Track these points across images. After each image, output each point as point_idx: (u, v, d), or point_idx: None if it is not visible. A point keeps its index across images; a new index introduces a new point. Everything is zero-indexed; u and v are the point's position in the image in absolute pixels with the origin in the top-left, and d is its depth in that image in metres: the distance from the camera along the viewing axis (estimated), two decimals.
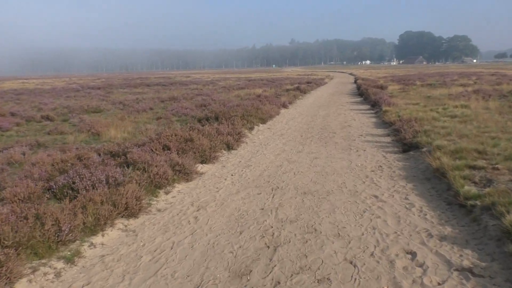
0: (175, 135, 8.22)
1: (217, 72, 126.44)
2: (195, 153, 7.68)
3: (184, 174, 6.52)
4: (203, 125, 11.97)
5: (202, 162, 7.72)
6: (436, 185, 5.80)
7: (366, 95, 20.36)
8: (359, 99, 21.54)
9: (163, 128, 10.92)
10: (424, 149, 7.63)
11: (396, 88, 23.79)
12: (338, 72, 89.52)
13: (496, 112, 11.68)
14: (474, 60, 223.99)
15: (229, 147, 9.22)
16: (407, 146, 8.22)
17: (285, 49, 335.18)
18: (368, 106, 17.38)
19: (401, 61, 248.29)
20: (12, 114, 16.72)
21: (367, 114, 14.89)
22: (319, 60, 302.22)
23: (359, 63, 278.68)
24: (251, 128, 12.02)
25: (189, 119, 13.51)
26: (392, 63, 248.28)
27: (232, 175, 7.02)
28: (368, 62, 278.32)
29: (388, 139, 9.80)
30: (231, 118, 12.20)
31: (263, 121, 13.55)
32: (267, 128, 12.52)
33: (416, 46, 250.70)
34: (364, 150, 8.56)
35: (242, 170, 7.29)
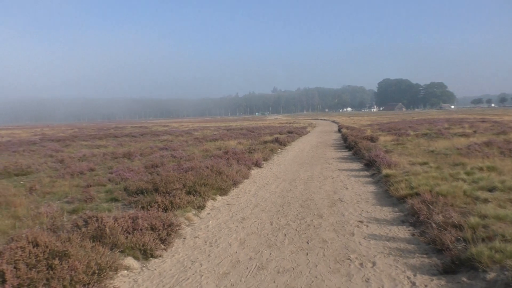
0: (36, 246, 4.51)
1: (199, 120, 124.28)
2: None
3: None
4: (132, 203, 8.32)
5: None
6: None
7: (356, 149, 17.06)
8: (347, 153, 18.24)
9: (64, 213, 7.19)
10: (491, 275, 4.08)
11: (389, 140, 20.66)
12: (321, 119, 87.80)
13: None
14: (452, 106, 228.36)
15: (147, 254, 5.52)
16: (450, 260, 4.64)
17: (268, 97, 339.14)
18: (360, 165, 13.99)
19: (381, 108, 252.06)
20: None
21: (361, 178, 11.43)
22: (301, 108, 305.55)
23: (341, 110, 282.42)
24: (201, 207, 8.36)
25: (122, 190, 9.82)
26: (372, 110, 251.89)
27: None
28: (349, 109, 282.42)
29: (405, 231, 6.24)
30: (172, 191, 8.58)
31: (224, 191, 9.93)
32: (227, 204, 8.89)
33: (395, 93, 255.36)
34: (373, 264, 4.94)
35: None
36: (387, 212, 7.45)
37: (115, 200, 8.95)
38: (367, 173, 12.23)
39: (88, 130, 60.01)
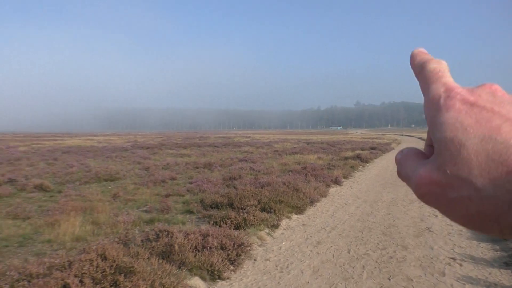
0: (105, 259, 4.50)
1: (280, 132, 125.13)
2: None
3: None
4: (206, 217, 8.27)
5: None
6: None
7: None
8: None
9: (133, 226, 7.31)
10: None
11: None
12: (406, 135, 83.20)
13: None
14: None
15: (214, 275, 5.30)
16: None
17: (350, 111, 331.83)
18: None
19: None
20: (11, 180, 14.28)
21: None
22: (385, 123, 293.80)
23: None
24: (275, 226, 8.02)
25: (198, 202, 9.87)
26: None
27: None
28: None
29: (510, 276, 5.29)
30: (246, 207, 8.37)
31: (299, 210, 9.50)
32: (302, 225, 8.45)
33: None
34: None
35: None
36: (485, 250, 6.46)
37: (190, 212, 8.98)
38: None
39: (175, 138, 63.26)
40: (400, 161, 0.47)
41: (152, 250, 5.32)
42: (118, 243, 5.43)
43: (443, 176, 0.40)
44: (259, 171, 16.71)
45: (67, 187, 13.03)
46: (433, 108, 0.42)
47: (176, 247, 5.32)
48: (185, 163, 20.83)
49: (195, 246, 5.64)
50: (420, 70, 0.46)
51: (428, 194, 0.42)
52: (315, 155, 26.23)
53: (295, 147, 34.70)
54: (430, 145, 0.46)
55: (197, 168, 19.16)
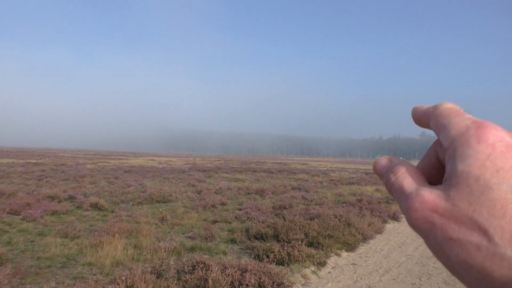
0: None
1: (338, 161, 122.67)
2: None
3: None
4: (249, 248, 7.89)
5: None
6: None
7: None
8: None
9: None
10: None
11: None
12: None
13: None
14: None
15: None
16: None
17: (414, 141, 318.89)
18: None
19: None
20: (70, 197, 14.90)
21: None
22: None
23: None
24: (322, 264, 7.42)
25: (243, 231, 9.51)
26: None
27: None
28: None
29: None
30: (292, 241, 7.88)
31: (350, 247, 8.81)
32: (352, 264, 7.77)
33: None
34: None
35: None
36: None
37: (234, 242, 8.64)
38: None
39: (232, 162, 63.87)
40: (397, 171, 0.40)
41: (185, 283, 5.02)
42: (151, 273, 5.20)
43: (452, 209, 0.34)
44: (311, 201, 16.09)
45: (120, 207, 13.28)
46: (459, 139, 0.36)
47: (210, 282, 4.98)
48: (237, 188, 20.66)
49: (231, 282, 5.26)
50: (432, 109, 0.42)
51: (425, 222, 0.35)
52: (373, 186, 25.02)
53: (352, 177, 33.50)
54: (422, 170, 0.41)
55: (249, 194, 18.90)
